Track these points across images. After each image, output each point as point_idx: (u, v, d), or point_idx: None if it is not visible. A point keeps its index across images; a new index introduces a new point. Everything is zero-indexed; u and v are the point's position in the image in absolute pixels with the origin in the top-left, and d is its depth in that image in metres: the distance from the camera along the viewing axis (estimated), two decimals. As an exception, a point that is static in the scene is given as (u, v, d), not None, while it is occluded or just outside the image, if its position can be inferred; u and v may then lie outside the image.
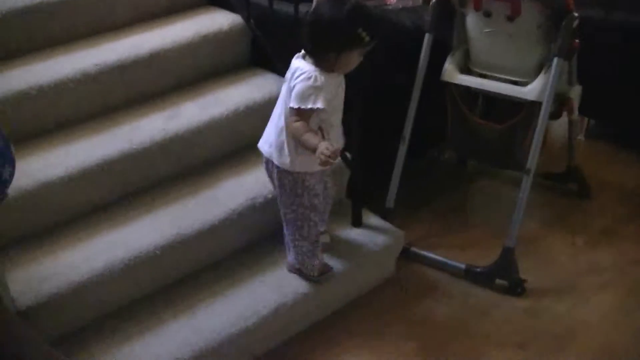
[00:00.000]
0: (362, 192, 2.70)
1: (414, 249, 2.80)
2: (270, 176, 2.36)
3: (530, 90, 2.69)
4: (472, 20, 2.75)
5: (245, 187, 2.54)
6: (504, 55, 2.75)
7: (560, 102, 2.85)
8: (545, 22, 2.61)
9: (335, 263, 2.50)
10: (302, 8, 2.63)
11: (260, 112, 2.66)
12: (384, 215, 2.81)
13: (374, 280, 2.66)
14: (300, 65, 2.15)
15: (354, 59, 2.15)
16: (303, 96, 2.10)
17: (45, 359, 1.54)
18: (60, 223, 2.34)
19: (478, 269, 2.68)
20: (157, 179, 2.53)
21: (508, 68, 2.76)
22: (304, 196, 2.29)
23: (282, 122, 2.21)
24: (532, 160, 2.65)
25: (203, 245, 2.39)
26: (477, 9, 2.67)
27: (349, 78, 2.24)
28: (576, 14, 2.58)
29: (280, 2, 2.77)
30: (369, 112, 2.59)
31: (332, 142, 2.14)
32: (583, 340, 2.43)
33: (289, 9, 2.71)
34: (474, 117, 2.91)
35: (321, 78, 2.11)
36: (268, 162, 2.32)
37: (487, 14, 2.67)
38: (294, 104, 2.11)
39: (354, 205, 2.70)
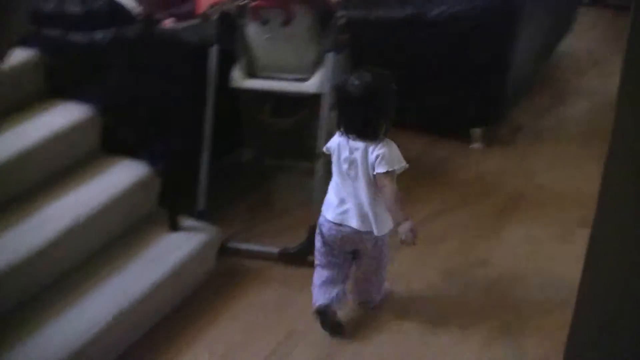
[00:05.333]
0: (175, 199, 2.97)
1: (230, 243, 3.11)
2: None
3: (312, 84, 3.11)
4: (252, 29, 3.12)
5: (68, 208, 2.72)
6: (284, 57, 3.15)
7: (338, 93, 3.27)
8: (316, 23, 3.04)
9: (160, 266, 2.75)
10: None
11: (68, 137, 2.91)
12: (199, 217, 3.09)
13: (199, 277, 2.94)
14: (360, 142, 2.44)
15: None
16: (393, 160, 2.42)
17: None
18: None
19: (291, 250, 3.04)
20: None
21: (289, 68, 3.16)
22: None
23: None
24: (322, 145, 3.04)
25: (36, 269, 2.54)
26: (255, 18, 3.03)
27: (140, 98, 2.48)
28: (342, 13, 3.03)
29: (75, 33, 2.96)
30: (173, 123, 2.88)
31: None
32: (397, 289, 2.88)
33: (83, 37, 2.92)
34: (265, 116, 3.27)
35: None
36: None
37: (265, 22, 3.04)
38: (385, 169, 2.40)
39: (170, 211, 2.95)
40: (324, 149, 2.62)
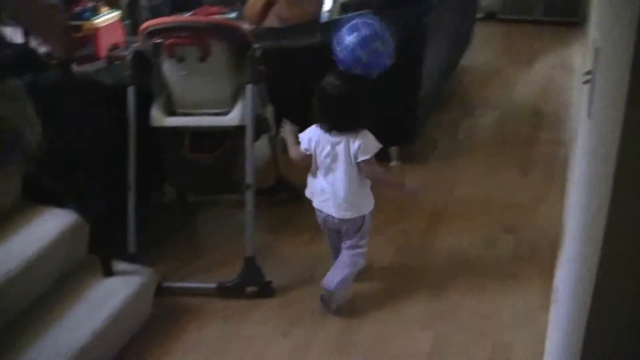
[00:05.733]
0: (106, 244, 2.94)
1: (166, 283, 3.09)
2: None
3: (233, 117, 3.14)
4: (168, 67, 3.13)
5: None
6: (202, 93, 3.17)
7: (258, 123, 3.30)
8: (232, 57, 3.08)
9: (99, 314, 2.71)
10: None
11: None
12: (130, 260, 3.06)
13: (139, 320, 2.90)
14: (341, 135, 2.75)
15: None
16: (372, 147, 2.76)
17: None
18: None
19: (228, 284, 3.05)
20: None
21: (209, 103, 3.19)
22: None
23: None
24: (250, 176, 3.09)
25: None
26: (171, 56, 3.05)
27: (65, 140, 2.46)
28: (257, 46, 3.08)
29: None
30: (97, 167, 2.86)
31: None
32: (335, 317, 2.91)
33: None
34: (186, 152, 3.27)
35: None
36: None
37: (181, 59, 3.06)
38: (368, 156, 2.73)
39: (102, 257, 2.92)
40: (303, 149, 2.88)
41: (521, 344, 2.67)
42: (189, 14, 5.02)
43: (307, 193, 2.95)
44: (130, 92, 3.11)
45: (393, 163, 4.10)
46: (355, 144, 2.72)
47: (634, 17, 0.59)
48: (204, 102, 3.19)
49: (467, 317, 2.85)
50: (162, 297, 3.03)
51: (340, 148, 2.75)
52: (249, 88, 3.08)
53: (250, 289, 3.06)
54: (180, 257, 3.35)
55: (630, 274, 0.69)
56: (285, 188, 3.78)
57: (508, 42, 6.48)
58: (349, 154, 2.74)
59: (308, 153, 2.85)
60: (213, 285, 3.06)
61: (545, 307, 2.82)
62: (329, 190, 2.82)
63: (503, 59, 5.96)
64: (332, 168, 2.80)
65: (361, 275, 3.13)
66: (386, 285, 3.09)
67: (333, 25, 3.93)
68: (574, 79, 5.40)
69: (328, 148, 2.77)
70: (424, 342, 2.72)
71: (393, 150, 4.10)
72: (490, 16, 7.03)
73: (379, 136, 4.06)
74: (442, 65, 4.62)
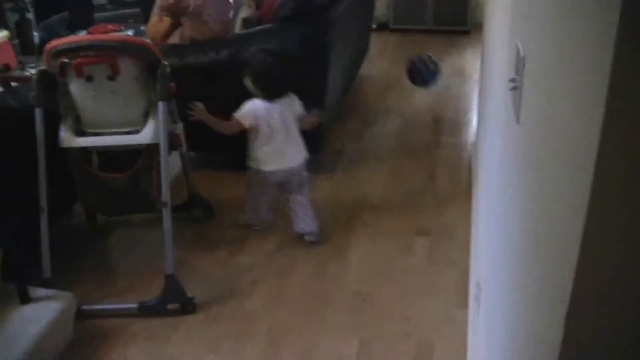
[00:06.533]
0: (19, 270, 2.88)
1: (85, 306, 3.05)
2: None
3: (145, 135, 3.14)
4: (76, 87, 3.09)
5: None
6: (113, 112, 3.16)
7: (169, 140, 3.31)
8: (142, 74, 3.09)
9: (18, 343, 2.64)
10: None
11: None
12: (46, 285, 3.00)
13: (60, 347, 2.85)
14: (280, 101, 3.34)
15: None
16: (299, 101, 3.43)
17: None
18: None
19: (150, 302, 3.04)
20: None
21: (120, 122, 3.17)
22: None
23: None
24: (166, 194, 3.09)
25: None
26: (79, 75, 3.03)
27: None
28: (167, 63, 3.10)
29: None
30: (6, 192, 2.80)
31: None
32: (257, 326, 2.96)
33: None
34: (98, 172, 3.24)
35: None
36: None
37: (89, 79, 3.04)
38: (302, 109, 3.42)
39: (17, 284, 2.86)
40: (247, 125, 3.31)
41: (444, 343, 2.79)
42: (84, 32, 4.97)
43: (253, 164, 3.40)
44: (37, 114, 3.06)
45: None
46: (294, 104, 3.39)
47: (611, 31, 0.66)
48: (115, 121, 3.17)
49: (390, 320, 2.94)
50: (83, 320, 3.00)
51: (286, 110, 3.34)
52: (160, 105, 3.09)
53: (172, 306, 3.06)
54: (97, 279, 3.31)
55: (611, 275, 0.77)
56: (199, 204, 3.79)
57: (402, 51, 6.68)
58: (292, 112, 3.37)
59: (252, 127, 3.31)
60: (134, 305, 3.05)
61: (463, 305, 2.96)
62: (281, 149, 3.36)
63: (399, 67, 6.10)
64: (282, 128, 3.33)
65: (284, 285, 3.19)
66: (309, 295, 3.15)
67: (236, 41, 4.01)
68: (469, 84, 5.64)
69: (276, 114, 3.31)
70: (349, 349, 2.79)
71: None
72: (383, 26, 7.25)
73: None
74: (344, 76, 4.74)
